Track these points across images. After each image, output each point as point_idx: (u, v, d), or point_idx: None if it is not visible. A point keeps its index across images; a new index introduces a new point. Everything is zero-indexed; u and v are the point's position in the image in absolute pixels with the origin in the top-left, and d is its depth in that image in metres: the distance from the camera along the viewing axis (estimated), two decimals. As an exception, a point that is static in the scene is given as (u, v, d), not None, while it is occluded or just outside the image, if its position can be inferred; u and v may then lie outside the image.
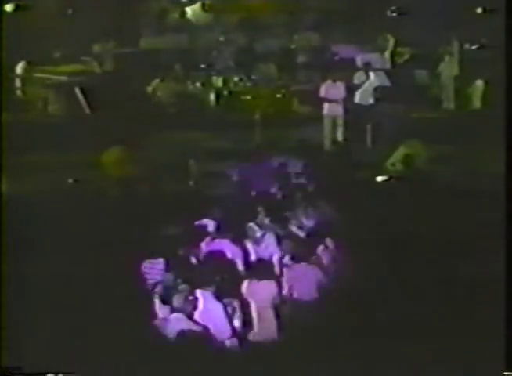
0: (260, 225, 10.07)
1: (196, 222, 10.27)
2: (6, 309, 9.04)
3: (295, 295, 9.44)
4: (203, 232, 10.07)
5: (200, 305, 8.91)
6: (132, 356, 9.04)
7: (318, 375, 8.85)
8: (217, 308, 8.66)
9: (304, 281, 9.41)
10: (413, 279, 9.61)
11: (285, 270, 9.47)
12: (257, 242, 9.82)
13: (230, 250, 9.95)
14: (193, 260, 9.61)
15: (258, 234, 9.95)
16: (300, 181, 11.79)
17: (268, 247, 9.80)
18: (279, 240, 9.90)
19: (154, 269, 9.15)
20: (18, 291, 9.18)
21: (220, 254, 9.68)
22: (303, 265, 9.54)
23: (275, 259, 9.75)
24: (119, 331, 9.02)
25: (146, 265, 9.22)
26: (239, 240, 9.97)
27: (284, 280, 9.40)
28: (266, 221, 10.12)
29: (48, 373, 8.44)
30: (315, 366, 8.89)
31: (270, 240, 9.94)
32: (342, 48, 12.46)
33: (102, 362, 8.95)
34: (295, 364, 8.77)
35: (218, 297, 8.73)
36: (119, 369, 8.95)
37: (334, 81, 14.04)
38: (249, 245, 9.63)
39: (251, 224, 9.99)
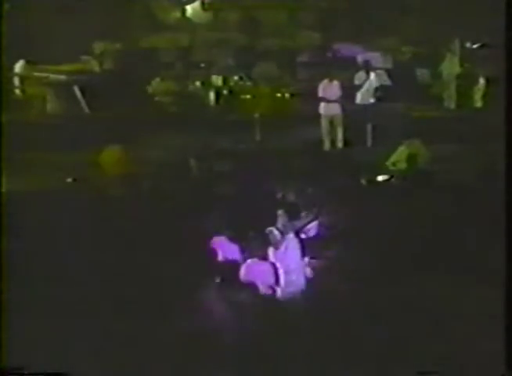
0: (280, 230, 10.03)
1: (195, 222, 10.23)
2: (7, 309, 8.99)
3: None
4: (202, 231, 10.03)
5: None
6: (132, 357, 9.01)
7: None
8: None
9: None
10: (413, 277, 9.58)
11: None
12: (276, 245, 9.78)
13: (226, 248, 9.92)
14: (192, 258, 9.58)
15: (278, 238, 9.90)
16: (300, 179, 11.76)
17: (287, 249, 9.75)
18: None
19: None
20: (18, 290, 9.14)
21: (214, 252, 9.64)
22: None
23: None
24: (119, 332, 8.98)
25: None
26: (237, 238, 9.94)
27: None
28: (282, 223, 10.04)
29: (48, 373, 8.40)
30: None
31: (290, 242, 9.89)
32: (343, 47, 12.46)
33: (102, 362, 8.92)
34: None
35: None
36: (119, 369, 8.92)
37: (331, 80, 14.03)
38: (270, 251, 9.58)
39: (272, 228, 9.95)
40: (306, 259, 9.85)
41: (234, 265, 9.37)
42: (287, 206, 10.64)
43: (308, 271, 9.88)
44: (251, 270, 9.30)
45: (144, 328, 8.88)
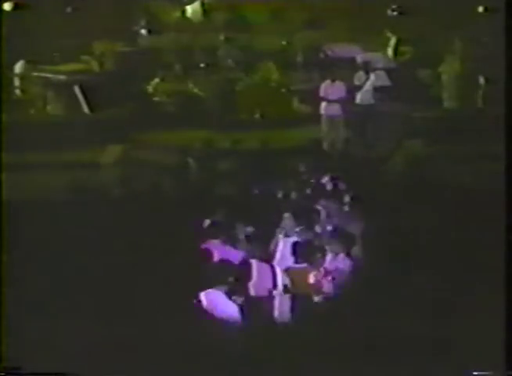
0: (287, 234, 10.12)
1: (195, 223, 10.26)
2: (6, 309, 9.06)
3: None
4: (202, 232, 10.07)
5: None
6: (132, 357, 9.07)
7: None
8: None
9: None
10: (412, 278, 9.65)
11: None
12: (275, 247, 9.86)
13: (221, 251, 9.95)
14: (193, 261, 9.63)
15: (278, 240, 9.99)
16: (300, 181, 11.79)
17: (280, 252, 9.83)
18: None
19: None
20: (18, 291, 9.20)
21: (209, 255, 9.70)
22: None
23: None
24: (119, 331, 9.04)
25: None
26: (233, 240, 9.98)
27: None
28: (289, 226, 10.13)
29: (48, 373, 8.46)
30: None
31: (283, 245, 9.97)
32: (342, 47, 12.46)
33: (102, 362, 8.98)
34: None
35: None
36: (119, 369, 8.97)
37: (333, 80, 14.06)
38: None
39: (276, 230, 10.03)
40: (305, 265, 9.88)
41: (244, 267, 9.47)
42: (293, 209, 10.67)
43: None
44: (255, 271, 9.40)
45: (144, 328, 8.93)
